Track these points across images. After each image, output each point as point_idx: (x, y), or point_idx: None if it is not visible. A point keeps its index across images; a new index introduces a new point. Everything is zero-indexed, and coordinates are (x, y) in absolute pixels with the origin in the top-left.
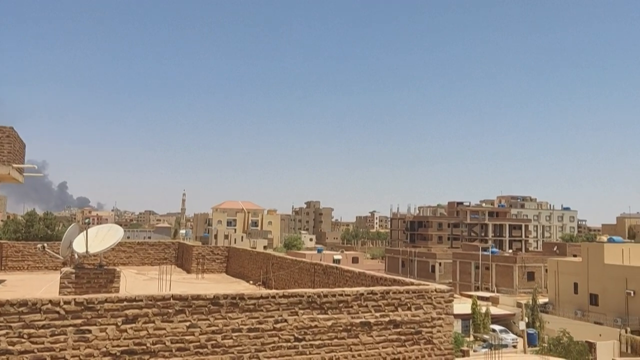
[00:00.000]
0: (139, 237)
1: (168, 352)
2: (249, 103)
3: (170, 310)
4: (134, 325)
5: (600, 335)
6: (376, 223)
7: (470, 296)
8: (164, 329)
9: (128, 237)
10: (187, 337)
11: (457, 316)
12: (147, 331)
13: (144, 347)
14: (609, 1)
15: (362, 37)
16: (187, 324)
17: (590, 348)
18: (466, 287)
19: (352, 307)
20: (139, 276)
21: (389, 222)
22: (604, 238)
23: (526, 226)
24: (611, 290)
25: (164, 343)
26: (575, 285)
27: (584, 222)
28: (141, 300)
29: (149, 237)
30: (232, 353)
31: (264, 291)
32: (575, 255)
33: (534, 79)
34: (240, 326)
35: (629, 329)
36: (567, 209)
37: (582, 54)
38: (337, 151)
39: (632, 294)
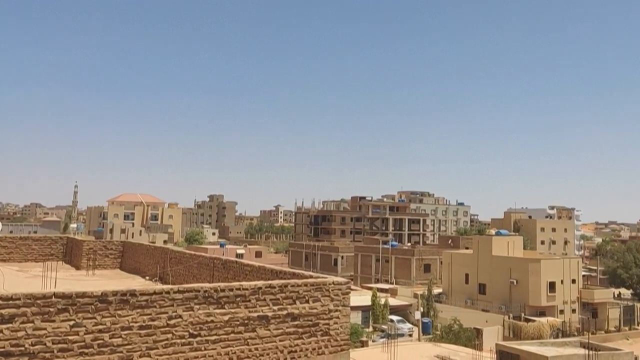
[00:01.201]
0: (23, 232)
1: (49, 353)
2: (151, 95)
3: (51, 309)
4: (10, 325)
5: (486, 321)
6: (281, 217)
7: (370, 288)
8: (45, 329)
9: (11, 232)
10: (70, 337)
11: (357, 308)
12: (26, 331)
13: (22, 348)
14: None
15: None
16: (71, 323)
17: (478, 334)
18: (367, 279)
19: (250, 301)
20: (20, 273)
21: (294, 217)
22: (492, 231)
23: (424, 220)
24: (497, 279)
25: (45, 344)
26: (467, 275)
27: (476, 217)
28: (18, 299)
29: (35, 232)
30: (121, 352)
31: (158, 286)
32: (467, 248)
33: (443, 77)
34: (131, 324)
35: (511, 315)
36: (462, 204)
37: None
38: (242, 145)
39: (515, 283)
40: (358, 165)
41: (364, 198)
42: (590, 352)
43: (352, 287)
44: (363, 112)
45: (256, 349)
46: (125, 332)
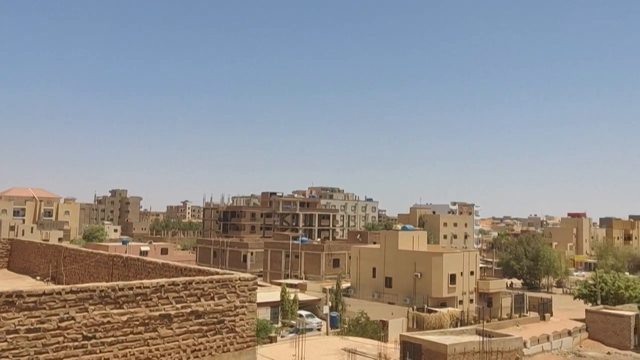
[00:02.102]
0: None
1: None
2: (49, 87)
3: None
4: None
5: (392, 313)
6: (189, 213)
7: (280, 284)
8: None
9: None
10: None
11: (266, 304)
12: None
13: None
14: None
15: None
16: None
17: (384, 326)
18: (277, 275)
19: (151, 299)
20: None
21: (202, 212)
22: (399, 226)
23: (334, 216)
24: (403, 273)
25: None
26: (374, 269)
27: (384, 212)
28: None
29: None
30: (7, 357)
31: (49, 287)
32: (375, 243)
33: (344, 75)
34: (17, 327)
35: (415, 307)
36: (370, 200)
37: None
38: (146, 138)
39: (419, 276)
40: (269, 161)
41: (274, 194)
42: (484, 338)
43: (261, 283)
44: (272, 109)
45: (157, 349)
46: (11, 335)
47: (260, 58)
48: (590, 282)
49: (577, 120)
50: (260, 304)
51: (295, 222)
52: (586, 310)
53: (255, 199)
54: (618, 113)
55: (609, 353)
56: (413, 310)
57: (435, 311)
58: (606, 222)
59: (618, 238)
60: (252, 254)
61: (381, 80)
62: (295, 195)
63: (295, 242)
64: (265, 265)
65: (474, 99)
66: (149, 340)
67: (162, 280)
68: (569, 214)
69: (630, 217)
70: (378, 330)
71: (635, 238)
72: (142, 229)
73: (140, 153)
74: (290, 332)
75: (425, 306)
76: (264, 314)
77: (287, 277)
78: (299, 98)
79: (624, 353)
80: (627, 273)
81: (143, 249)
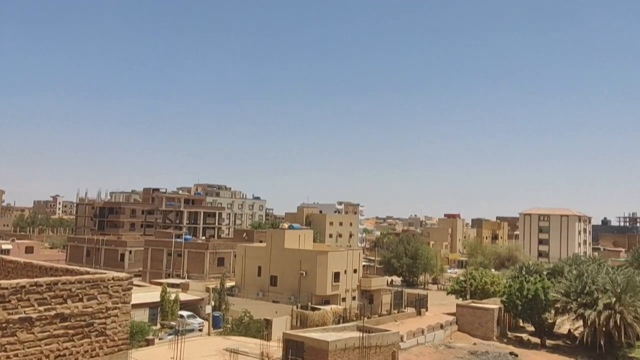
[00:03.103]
0: None
1: None
2: None
3: None
4: None
5: (276, 312)
6: (59, 209)
7: (160, 284)
8: None
9: None
10: None
11: (144, 305)
12: None
13: None
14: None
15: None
16: None
17: (267, 324)
18: (157, 274)
19: (9, 302)
20: None
21: (75, 208)
22: (286, 225)
23: (220, 214)
24: (288, 271)
25: None
26: (259, 268)
27: (271, 211)
28: None
29: None
30: None
31: None
32: (261, 241)
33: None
34: None
35: (299, 305)
36: (258, 198)
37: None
38: (10, 125)
39: (304, 274)
40: (153, 156)
41: (157, 190)
42: (364, 334)
43: (139, 283)
44: (157, 101)
45: (15, 355)
46: None
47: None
48: (462, 278)
49: (452, 128)
50: (138, 305)
51: (179, 220)
52: (457, 305)
53: (137, 195)
54: (485, 120)
55: (474, 344)
56: (297, 308)
57: (319, 309)
58: (477, 223)
59: (487, 237)
60: (130, 252)
61: (269, 78)
62: (180, 192)
63: (179, 240)
64: (145, 265)
65: (361, 100)
66: (6, 346)
67: (23, 281)
68: (445, 215)
69: (497, 218)
70: (261, 329)
71: (501, 237)
72: (5, 225)
73: (3, 142)
74: (170, 334)
75: (309, 304)
76: (142, 315)
77: (168, 276)
78: (187, 92)
79: (487, 343)
80: (493, 270)
81: (5, 247)
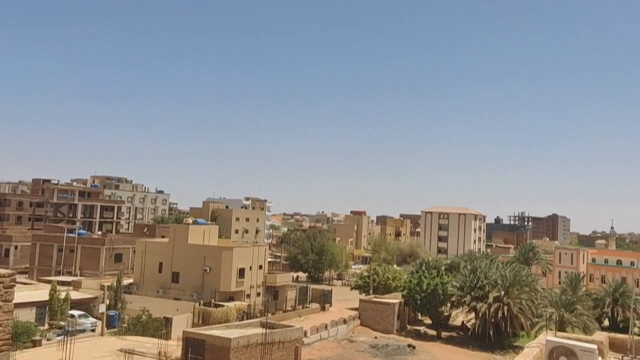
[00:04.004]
0: None
1: None
2: None
3: None
4: None
5: (177, 310)
6: None
7: (49, 281)
8: None
9: None
10: None
11: (30, 304)
12: None
13: None
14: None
15: None
16: None
17: (167, 323)
18: (47, 271)
19: None
20: None
21: None
22: (190, 220)
23: (119, 207)
24: (192, 267)
25: None
26: (161, 264)
27: (175, 205)
28: None
29: None
30: None
31: None
32: (163, 237)
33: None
34: None
35: (202, 302)
36: (161, 192)
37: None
38: None
39: (208, 270)
40: (45, 146)
41: (48, 181)
42: (268, 330)
43: (25, 280)
44: (53, 89)
45: None
46: None
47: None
48: (365, 274)
49: (358, 128)
50: (23, 304)
51: (73, 214)
52: (360, 300)
53: (25, 186)
54: (390, 121)
55: (376, 337)
56: (200, 305)
57: (223, 305)
58: (381, 220)
59: (390, 234)
60: (16, 247)
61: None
62: (75, 183)
63: (71, 235)
64: (32, 261)
65: (270, 96)
66: None
67: None
68: (351, 212)
69: (401, 215)
70: (160, 328)
71: (404, 234)
72: None
73: None
74: (59, 335)
75: (213, 301)
76: (28, 315)
77: (59, 273)
78: (85, 78)
79: (388, 336)
80: (395, 265)
81: None
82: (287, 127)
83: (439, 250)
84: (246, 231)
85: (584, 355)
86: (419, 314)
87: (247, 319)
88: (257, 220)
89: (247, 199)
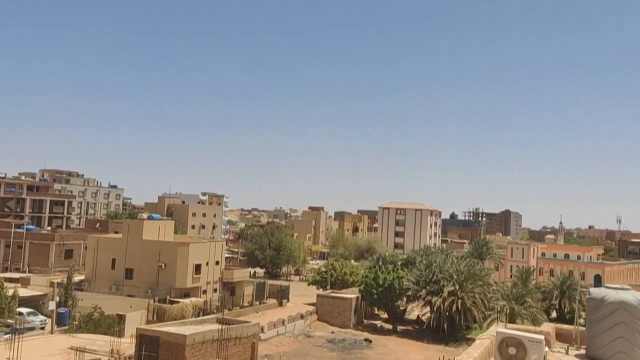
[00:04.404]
0: None
1: None
2: None
3: None
4: None
5: (131, 306)
6: None
7: None
8: None
9: None
10: None
11: None
12: None
13: None
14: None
15: None
16: None
17: (121, 320)
18: None
19: None
20: None
21: None
22: (144, 215)
23: (70, 202)
24: (146, 264)
25: None
26: (114, 260)
27: (129, 200)
28: None
29: None
30: None
31: None
32: (117, 232)
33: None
34: None
35: (157, 299)
36: (115, 186)
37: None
38: None
39: (164, 267)
40: None
41: None
42: (224, 326)
43: None
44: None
45: None
46: None
47: None
48: (323, 269)
49: (315, 126)
50: None
51: (21, 208)
52: (317, 295)
53: None
54: (343, 118)
55: (333, 332)
56: (154, 302)
57: (178, 302)
58: (340, 216)
59: (348, 230)
60: None
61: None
62: (23, 177)
63: (19, 230)
64: None
65: (224, 93)
66: None
67: None
68: (309, 208)
69: (359, 211)
70: (113, 325)
71: (362, 230)
72: None
73: None
74: (7, 333)
75: (168, 297)
76: None
77: (6, 270)
78: (36, 70)
79: (345, 331)
80: (352, 261)
81: None
82: (244, 123)
83: (396, 246)
84: (203, 227)
85: (532, 346)
86: (376, 309)
87: (204, 315)
88: (214, 215)
89: (204, 194)
